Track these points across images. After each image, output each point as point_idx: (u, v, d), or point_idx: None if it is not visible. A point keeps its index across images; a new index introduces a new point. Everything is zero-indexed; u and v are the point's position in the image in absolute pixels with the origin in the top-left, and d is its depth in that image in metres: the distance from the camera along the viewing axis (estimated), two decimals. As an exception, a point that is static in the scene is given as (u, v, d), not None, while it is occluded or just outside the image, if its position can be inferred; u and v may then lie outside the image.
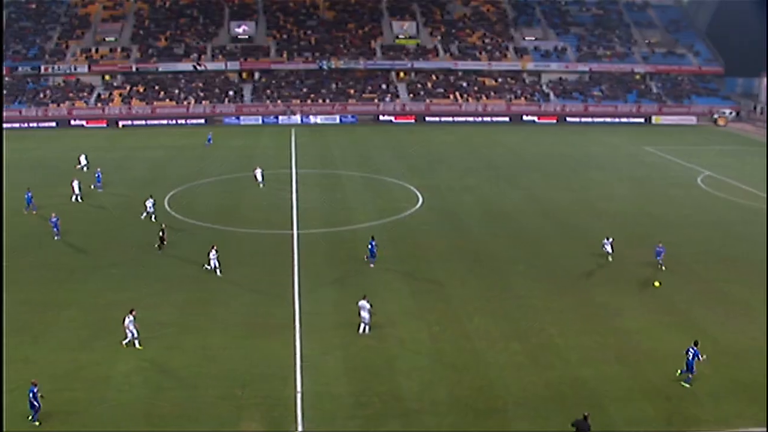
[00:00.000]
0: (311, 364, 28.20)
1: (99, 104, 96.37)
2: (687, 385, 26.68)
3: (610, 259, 39.62)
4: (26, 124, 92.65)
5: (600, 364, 28.36)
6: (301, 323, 31.55)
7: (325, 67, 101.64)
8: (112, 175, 59.97)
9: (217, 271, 37.22)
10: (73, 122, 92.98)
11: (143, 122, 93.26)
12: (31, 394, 24.11)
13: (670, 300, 34.46)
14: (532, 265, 39.09)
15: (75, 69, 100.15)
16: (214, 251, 37.70)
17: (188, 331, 30.87)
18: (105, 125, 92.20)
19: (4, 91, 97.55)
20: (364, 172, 62.02)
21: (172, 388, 26.42)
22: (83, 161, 63.57)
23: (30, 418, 24.20)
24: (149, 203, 47.43)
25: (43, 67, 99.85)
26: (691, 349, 26.74)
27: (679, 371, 27.32)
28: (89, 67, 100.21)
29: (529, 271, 38.20)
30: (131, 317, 29.33)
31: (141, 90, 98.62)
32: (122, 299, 33.93)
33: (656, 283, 36.16)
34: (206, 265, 37.71)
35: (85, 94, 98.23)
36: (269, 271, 37.96)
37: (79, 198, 51.86)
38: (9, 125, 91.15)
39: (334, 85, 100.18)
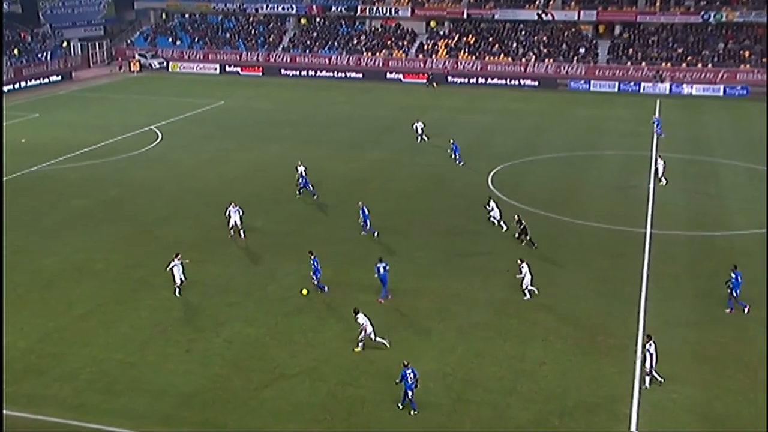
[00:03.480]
0: (651, 398, 27.82)
1: (420, 56, 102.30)
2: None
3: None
4: (335, 74, 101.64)
5: None
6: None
7: (712, 20, 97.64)
8: (425, 143, 64.02)
9: None
10: (388, 75, 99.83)
11: (468, 80, 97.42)
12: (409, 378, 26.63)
13: None
14: None
15: (396, 12, 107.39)
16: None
17: (503, 336, 32.04)
18: (424, 81, 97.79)
19: (314, 34, 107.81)
20: (751, 162, 58.99)
21: (477, 402, 27.57)
22: (419, 130, 65.14)
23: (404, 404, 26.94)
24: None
25: (359, 8, 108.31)
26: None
27: None
28: (412, 11, 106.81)
29: None
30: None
31: (471, 41, 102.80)
32: (427, 287, 36.44)
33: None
34: None
35: (405, 42, 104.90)
36: (608, 276, 37.84)
37: None
38: (315, 74, 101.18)
39: (721, 45, 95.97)
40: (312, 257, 35.99)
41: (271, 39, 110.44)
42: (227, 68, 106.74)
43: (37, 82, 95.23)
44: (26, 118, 75.32)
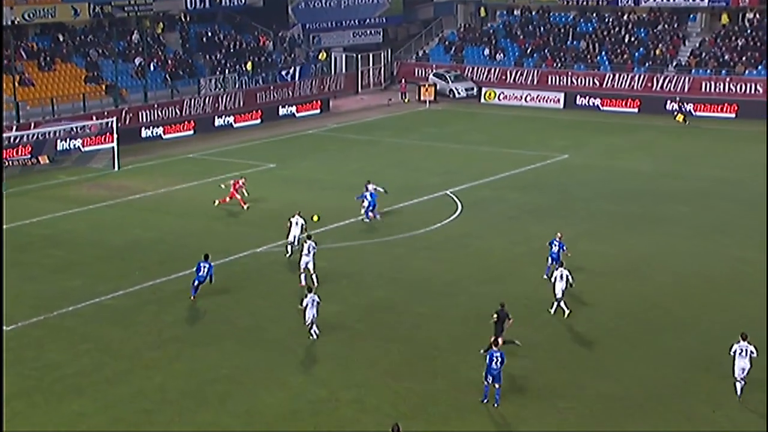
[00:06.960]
0: None
1: None
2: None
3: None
4: None
5: None
6: None
7: None
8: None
9: None
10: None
11: None
12: None
13: None
14: None
15: None
16: None
17: None
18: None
19: (739, 41, 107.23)
20: None
21: None
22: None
23: None
24: None
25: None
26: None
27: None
28: None
29: None
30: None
31: None
32: None
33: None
34: None
35: None
36: None
37: None
38: (732, 111, 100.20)
39: None
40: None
41: (658, 50, 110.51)
42: (578, 99, 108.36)
43: (278, 113, 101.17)
44: (257, 168, 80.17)
